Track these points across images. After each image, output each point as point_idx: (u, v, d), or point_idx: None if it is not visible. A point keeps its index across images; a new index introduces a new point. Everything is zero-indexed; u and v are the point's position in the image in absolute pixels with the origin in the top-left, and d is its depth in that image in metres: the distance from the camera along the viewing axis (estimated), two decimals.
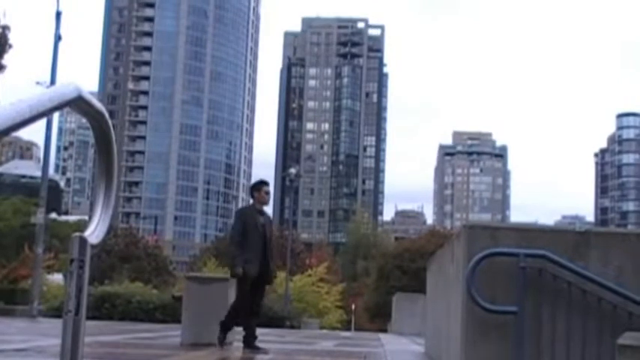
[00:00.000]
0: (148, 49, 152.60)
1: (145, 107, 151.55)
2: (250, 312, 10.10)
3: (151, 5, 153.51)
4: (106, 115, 2.15)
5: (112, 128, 2.12)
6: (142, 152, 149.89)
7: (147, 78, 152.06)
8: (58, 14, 22.01)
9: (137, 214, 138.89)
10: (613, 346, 2.55)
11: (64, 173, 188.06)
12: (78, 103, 2.01)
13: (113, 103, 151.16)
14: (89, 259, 1.90)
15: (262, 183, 10.59)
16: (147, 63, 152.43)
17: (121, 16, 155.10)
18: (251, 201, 10.41)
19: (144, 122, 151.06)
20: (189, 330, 10.72)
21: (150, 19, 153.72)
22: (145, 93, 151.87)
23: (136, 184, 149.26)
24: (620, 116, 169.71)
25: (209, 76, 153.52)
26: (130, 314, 21.48)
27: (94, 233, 1.98)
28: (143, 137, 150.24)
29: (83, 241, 1.90)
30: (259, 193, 10.25)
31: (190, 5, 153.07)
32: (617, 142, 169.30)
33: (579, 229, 6.22)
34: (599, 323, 5.68)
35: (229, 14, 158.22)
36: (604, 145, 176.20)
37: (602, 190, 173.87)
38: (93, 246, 1.95)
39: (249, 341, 9.94)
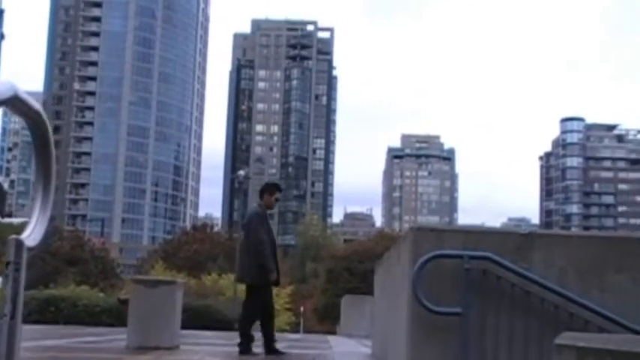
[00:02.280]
0: (95, 49, 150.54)
1: (91, 108, 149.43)
2: (257, 316, 9.91)
3: (98, 5, 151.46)
4: (44, 115, 2.07)
5: (49, 129, 2.05)
6: (88, 154, 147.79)
7: (94, 78, 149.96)
8: (1, 12, 21.58)
9: (84, 217, 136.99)
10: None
11: (7, 175, 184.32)
12: (14, 103, 1.93)
13: (59, 103, 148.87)
14: (26, 262, 1.89)
15: (277, 188, 10.17)
16: (94, 63, 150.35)
17: (67, 15, 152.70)
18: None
19: (91, 123, 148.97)
20: (135, 333, 10.59)
21: (97, 19, 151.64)
22: (92, 94, 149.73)
23: (83, 185, 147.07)
24: (564, 121, 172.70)
25: (157, 77, 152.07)
26: (75, 318, 21.19)
27: (32, 236, 1.93)
28: (90, 138, 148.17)
29: (19, 244, 1.85)
30: (270, 197, 9.87)
31: (138, 5, 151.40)
32: (561, 145, 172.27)
33: (523, 232, 6.33)
34: (542, 323, 5.78)
35: (178, 15, 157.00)
36: (549, 148, 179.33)
37: (547, 192, 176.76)
38: (30, 249, 1.91)
39: (273, 347, 9.73)
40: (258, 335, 9.95)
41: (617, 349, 1.86)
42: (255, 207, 10.11)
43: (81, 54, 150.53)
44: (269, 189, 10.00)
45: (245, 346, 9.57)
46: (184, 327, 12.35)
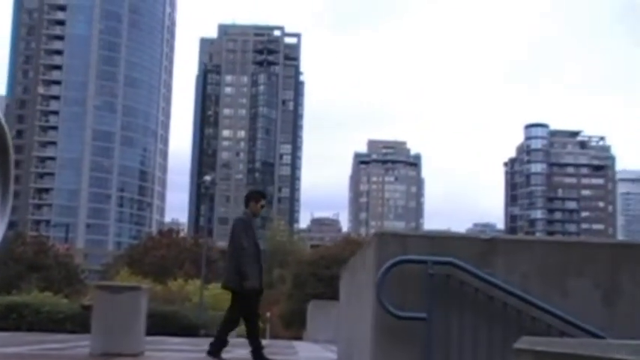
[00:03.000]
0: (60, 52, 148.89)
1: (56, 112, 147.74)
2: (237, 323, 9.94)
3: (63, 8, 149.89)
4: (2, 119, 2.07)
5: (8, 133, 2.06)
6: (52, 158, 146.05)
7: (58, 82, 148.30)
8: None
9: (47, 222, 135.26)
10: None
11: None
12: None
13: (23, 107, 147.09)
14: None
15: (261, 195, 10.15)
16: (58, 67, 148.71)
17: (31, 18, 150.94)
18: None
19: (55, 127, 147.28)
20: (98, 340, 10.49)
21: (61, 23, 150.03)
22: (57, 98, 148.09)
23: (47, 190, 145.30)
24: (528, 127, 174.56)
25: (123, 81, 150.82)
26: (39, 325, 20.92)
27: None
28: (54, 143, 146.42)
29: None
30: (256, 204, 9.82)
31: (104, 9, 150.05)
32: (525, 152, 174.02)
33: (485, 237, 6.37)
34: (505, 328, 5.83)
35: (144, 19, 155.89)
36: (514, 154, 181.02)
37: (511, 198, 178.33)
38: None
39: (262, 354, 9.73)
40: (233, 341, 9.93)
41: (573, 353, 1.91)
42: (241, 214, 10.08)
43: (45, 57, 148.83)
44: (254, 196, 9.98)
45: (214, 348, 9.54)
46: (150, 333, 12.26)
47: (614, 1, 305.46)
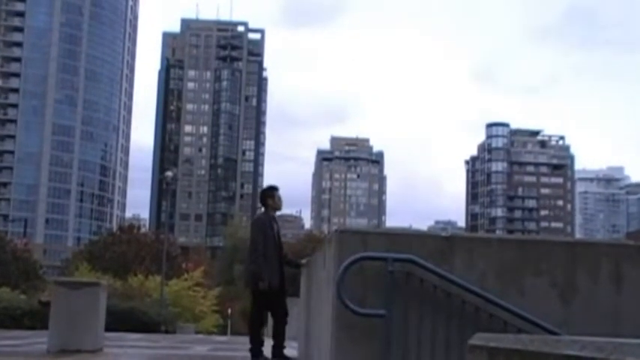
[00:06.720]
0: (19, 44, 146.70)
1: (15, 105, 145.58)
2: (281, 320, 9.75)
3: None
4: None
5: None
6: (11, 152, 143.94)
7: (17, 75, 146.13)
8: None
9: (5, 217, 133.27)
10: None
11: None
12: None
13: None
14: None
15: (274, 189, 10.06)
16: (17, 59, 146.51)
17: None
18: (259, 208, 9.80)
19: (14, 121, 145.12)
20: (56, 336, 10.38)
21: (20, 14, 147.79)
22: (16, 90, 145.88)
23: (5, 185, 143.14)
24: (489, 126, 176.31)
25: (84, 75, 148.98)
26: None
27: None
28: (13, 136, 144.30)
29: None
30: (274, 199, 9.77)
31: (64, 2, 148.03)
32: (486, 150, 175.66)
33: (445, 235, 6.43)
34: (463, 325, 5.89)
35: (106, 12, 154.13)
36: (475, 153, 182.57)
37: (472, 196, 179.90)
38: None
39: (280, 352, 9.53)
40: (194, 338, 9.86)
41: (525, 349, 1.97)
42: (259, 214, 9.98)
43: (3, 49, 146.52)
44: (269, 194, 9.88)
45: (255, 351, 9.54)
46: (109, 329, 12.16)
47: (562, 3, 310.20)
